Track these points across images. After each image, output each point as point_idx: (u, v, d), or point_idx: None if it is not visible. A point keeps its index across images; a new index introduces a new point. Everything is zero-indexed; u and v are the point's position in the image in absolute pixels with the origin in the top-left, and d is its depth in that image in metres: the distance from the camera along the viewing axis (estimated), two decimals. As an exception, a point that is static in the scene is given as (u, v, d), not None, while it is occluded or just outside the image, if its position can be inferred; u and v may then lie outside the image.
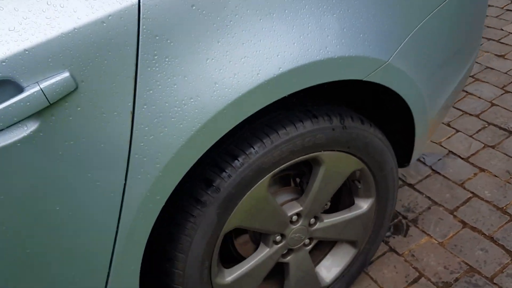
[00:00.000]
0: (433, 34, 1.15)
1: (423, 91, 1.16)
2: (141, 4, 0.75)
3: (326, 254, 1.42)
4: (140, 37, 0.76)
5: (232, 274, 1.16)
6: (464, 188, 1.81)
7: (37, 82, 0.70)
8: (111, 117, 0.77)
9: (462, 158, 1.96)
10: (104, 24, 0.72)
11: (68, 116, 0.74)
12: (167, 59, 0.79)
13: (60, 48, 0.71)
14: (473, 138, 2.08)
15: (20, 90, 0.70)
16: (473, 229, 1.64)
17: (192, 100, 0.82)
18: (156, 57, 0.78)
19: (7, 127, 0.70)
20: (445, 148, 2.05)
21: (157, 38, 0.77)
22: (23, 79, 0.69)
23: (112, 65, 0.75)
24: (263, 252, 1.19)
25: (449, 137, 2.11)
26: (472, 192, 1.79)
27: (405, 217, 1.73)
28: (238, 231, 1.30)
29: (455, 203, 1.75)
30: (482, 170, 1.89)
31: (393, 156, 1.25)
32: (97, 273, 0.91)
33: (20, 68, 0.69)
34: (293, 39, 0.89)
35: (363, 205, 1.30)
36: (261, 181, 1.03)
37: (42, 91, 0.70)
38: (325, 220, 1.26)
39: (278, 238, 1.19)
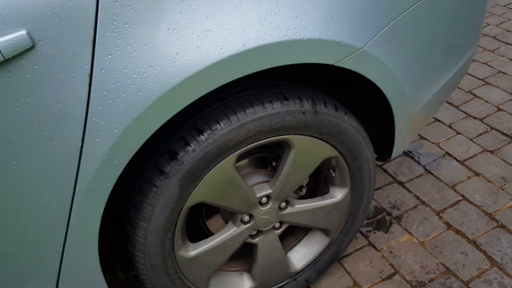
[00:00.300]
0: (418, 25, 1.13)
1: (403, 82, 1.15)
2: (103, -32, 0.76)
3: (299, 241, 1.42)
4: (100, 1, 0.77)
5: (196, 249, 1.18)
6: (455, 191, 1.78)
7: (-7, 37, 0.72)
8: (68, 78, 0.79)
9: (458, 161, 1.93)
10: (63, -15, 0.74)
11: (25, 73, 0.77)
12: (126, 25, 0.80)
13: (19, 7, 0.73)
14: (472, 141, 2.04)
15: (-24, 43, 0.72)
16: (457, 232, 1.61)
17: (151, 68, 0.83)
18: (115, 23, 0.79)
19: (-37, 78, 0.73)
20: (442, 149, 2.01)
21: (117, 3, 0.79)
22: (-20, 32, 0.72)
23: (70, 26, 0.76)
24: (230, 231, 1.20)
25: (448, 139, 2.07)
26: (462, 195, 1.76)
27: (389, 214, 1.72)
28: (211, 210, 1.32)
29: (442, 205, 1.72)
30: (476, 174, 1.85)
31: (370, 147, 1.24)
32: (54, 233, 0.94)
33: (-21, 21, 0.71)
34: (260, 17, 0.89)
35: (337, 194, 1.30)
36: (227, 158, 1.04)
37: (-3, 45, 0.72)
38: (296, 206, 1.26)
39: (246, 218, 1.20)
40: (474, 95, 2.38)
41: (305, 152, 1.14)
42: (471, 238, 1.58)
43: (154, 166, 1.03)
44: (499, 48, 2.72)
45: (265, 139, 1.06)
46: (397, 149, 1.35)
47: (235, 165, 1.07)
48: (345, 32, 0.98)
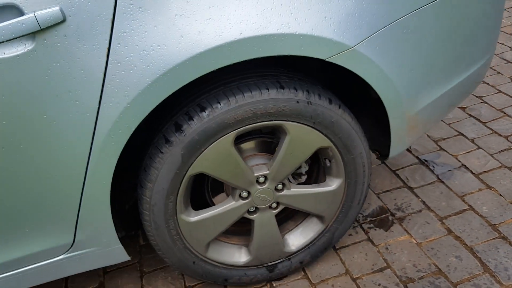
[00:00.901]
0: (417, 31, 1.22)
1: (397, 83, 1.23)
2: (125, -40, 0.93)
3: (297, 225, 1.53)
4: (121, -12, 0.94)
5: (197, 216, 1.32)
6: (463, 201, 1.82)
7: (33, 11, 0.91)
8: (90, 49, 0.97)
9: (472, 173, 1.95)
10: (91, -27, 0.92)
11: (57, 42, 0.95)
12: (140, 9, 0.97)
13: (56, -13, 0.91)
14: (492, 156, 2.05)
15: (21, 14, 0.91)
16: (457, 238, 1.66)
17: (159, 47, 0.99)
18: (131, 6, 0.96)
19: (9, 41, 0.92)
20: (459, 161, 2.04)
21: (134, -9, 0.95)
22: (24, 6, 0.91)
23: (95, 6, 0.94)
24: (229, 204, 1.34)
25: (468, 152, 2.10)
26: (470, 206, 1.79)
27: (393, 214, 1.78)
28: (217, 188, 1.46)
29: (447, 212, 1.77)
30: (489, 187, 1.87)
31: (364, 141, 1.33)
32: (73, 186, 1.12)
33: (25, -3, 0.91)
34: (257, 11, 1.02)
35: (332, 184, 1.40)
36: (226, 135, 1.18)
37: (36, 17, 0.90)
38: (292, 189, 1.38)
39: (244, 194, 1.33)
40: (505, 113, 2.37)
41: (299, 139, 1.26)
42: (469, 245, 1.62)
43: (162, 135, 1.19)
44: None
45: (261, 122, 1.19)
46: (395, 149, 1.43)
47: (233, 143, 1.21)
48: (337, 30, 1.09)
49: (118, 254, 1.31)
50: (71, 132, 1.04)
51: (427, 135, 2.29)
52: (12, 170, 1.05)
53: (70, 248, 1.24)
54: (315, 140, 1.27)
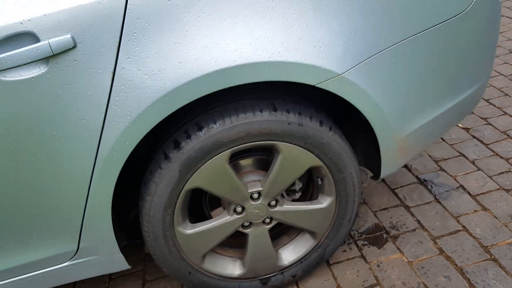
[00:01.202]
0: (406, 59, 1.29)
1: (385, 108, 1.30)
2: (130, -6, 1.03)
3: (291, 240, 1.59)
4: (126, 18, 1.04)
5: (193, 228, 1.40)
6: (458, 221, 1.86)
7: (47, 38, 1.01)
8: (97, 73, 1.06)
9: (470, 194, 2.00)
10: (100, 4, 1.02)
11: (67, 66, 1.05)
12: (143, 37, 1.06)
13: (68, 17, 1.01)
14: (491, 178, 2.09)
15: (37, 41, 1.02)
16: (448, 258, 1.70)
17: (159, 72, 1.08)
18: (135, 34, 1.06)
19: (25, 64, 1.02)
20: (458, 182, 2.08)
21: (138, 20, 1.05)
22: (40, 34, 1.01)
23: (102, 34, 1.04)
24: (224, 218, 1.42)
25: (467, 173, 2.14)
26: (464, 226, 1.83)
27: (387, 232, 1.83)
28: (216, 203, 1.54)
29: (441, 232, 1.81)
30: (484, 209, 1.91)
31: (354, 162, 1.40)
32: (78, 197, 1.21)
33: (40, 25, 1.01)
34: (250, 40, 1.11)
35: (324, 201, 1.46)
36: (221, 153, 1.26)
37: (49, 44, 1.00)
38: (285, 206, 1.45)
39: (239, 209, 1.41)
40: (508, 135, 2.41)
41: (291, 158, 1.33)
42: (459, 265, 1.66)
43: (162, 152, 1.27)
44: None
45: (255, 141, 1.27)
46: (386, 170, 1.49)
47: (228, 160, 1.29)
48: (326, 59, 1.17)
49: (119, 262, 1.39)
50: (78, 148, 1.13)
51: (428, 155, 2.34)
52: (25, 183, 1.15)
53: (74, 255, 1.33)
54: (306, 159, 1.34)
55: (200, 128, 1.23)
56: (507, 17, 3.83)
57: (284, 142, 1.29)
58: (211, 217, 1.56)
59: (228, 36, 1.10)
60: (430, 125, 1.48)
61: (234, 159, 1.44)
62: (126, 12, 1.04)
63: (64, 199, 1.21)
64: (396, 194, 2.06)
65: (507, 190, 2.01)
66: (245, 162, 1.47)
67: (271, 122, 1.25)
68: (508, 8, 4.00)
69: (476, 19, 1.38)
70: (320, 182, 1.44)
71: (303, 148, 1.32)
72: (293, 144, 1.30)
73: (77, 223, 1.26)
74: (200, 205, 1.56)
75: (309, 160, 1.35)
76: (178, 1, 1.06)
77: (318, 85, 1.19)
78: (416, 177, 2.17)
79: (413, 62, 1.31)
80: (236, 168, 1.46)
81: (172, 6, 1.06)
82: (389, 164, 1.47)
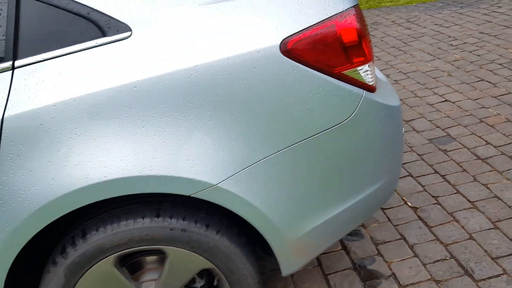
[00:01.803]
0: (291, 165, 1.34)
1: (269, 214, 1.34)
2: (4, 118, 1.13)
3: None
4: (2, 142, 1.13)
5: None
6: (381, 314, 1.84)
7: None
8: (-27, 189, 1.14)
9: (399, 284, 1.98)
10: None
11: None
12: (19, 157, 1.15)
13: None
14: (425, 267, 2.07)
15: None
16: None
17: (33, 188, 1.16)
18: (11, 155, 1.14)
19: None
20: (391, 270, 2.08)
21: (12, 142, 1.14)
22: None
23: (-23, 156, 1.12)
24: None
25: (403, 260, 2.13)
26: (386, 320, 1.81)
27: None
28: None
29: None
30: (409, 300, 1.89)
31: (248, 264, 1.43)
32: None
33: None
34: (121, 157, 1.19)
35: (223, 300, 1.48)
36: (106, 258, 1.31)
37: None
38: (183, 305, 1.47)
39: (136, 309, 1.43)
40: (454, 218, 2.40)
41: (180, 261, 1.37)
42: None
43: (52, 256, 1.33)
44: (509, 170, 2.65)
45: (140, 246, 1.32)
46: (286, 268, 1.51)
47: (115, 264, 1.33)
48: (199, 171, 1.24)
49: None
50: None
51: (370, 236, 2.34)
52: None
53: None
54: (196, 262, 1.38)
55: (84, 234, 1.29)
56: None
57: (170, 246, 1.34)
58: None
59: (99, 154, 1.18)
60: (328, 224, 1.51)
61: (138, 255, 1.48)
62: (2, 137, 1.13)
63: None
64: (327, 281, 2.05)
65: (437, 282, 2.00)
66: (151, 258, 1.51)
67: (152, 228, 1.30)
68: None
69: (362, 125, 1.44)
70: (215, 283, 1.47)
71: (190, 251, 1.36)
72: (180, 248, 1.35)
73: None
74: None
75: (199, 262, 1.38)
76: (49, 125, 1.15)
77: (194, 195, 1.25)
78: (352, 261, 2.17)
79: (296, 169, 1.36)
80: (140, 264, 1.50)
81: (44, 129, 1.15)
82: (287, 264, 1.49)
